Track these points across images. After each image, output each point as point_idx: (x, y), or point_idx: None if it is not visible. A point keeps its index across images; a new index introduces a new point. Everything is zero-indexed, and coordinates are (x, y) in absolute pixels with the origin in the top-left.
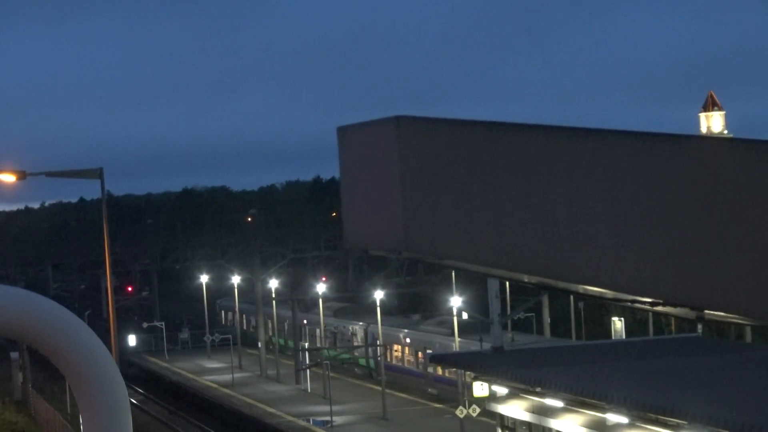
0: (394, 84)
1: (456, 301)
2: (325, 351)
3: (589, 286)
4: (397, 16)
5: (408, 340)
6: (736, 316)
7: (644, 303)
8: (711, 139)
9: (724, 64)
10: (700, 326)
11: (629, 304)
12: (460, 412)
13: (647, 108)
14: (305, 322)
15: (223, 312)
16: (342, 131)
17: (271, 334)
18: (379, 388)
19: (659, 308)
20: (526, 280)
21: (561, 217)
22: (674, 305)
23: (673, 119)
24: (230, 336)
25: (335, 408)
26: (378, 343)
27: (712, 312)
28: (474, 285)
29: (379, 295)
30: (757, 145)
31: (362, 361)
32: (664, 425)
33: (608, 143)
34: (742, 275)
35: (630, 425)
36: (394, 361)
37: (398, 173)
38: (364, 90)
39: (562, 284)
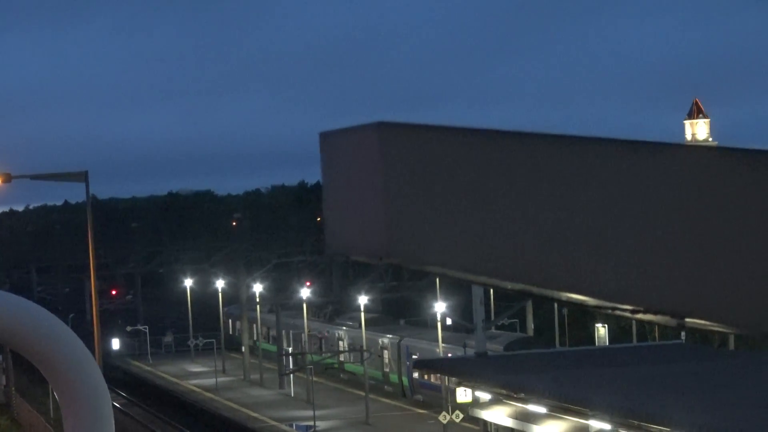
0: (386, 88)
1: (440, 307)
2: (350, 365)
3: (570, 293)
4: (388, 20)
5: (450, 356)
6: (717, 325)
7: (625, 310)
8: (693, 147)
9: (712, 70)
10: (683, 333)
11: (610, 311)
12: (443, 417)
13: (636, 113)
14: (326, 333)
15: (230, 320)
16: (324, 136)
17: (288, 346)
18: (367, 394)
19: (640, 316)
20: (508, 287)
21: (542, 224)
22: (655, 313)
23: (661, 125)
24: (213, 340)
25: (318, 413)
26: (363, 348)
27: (693, 320)
28: (458, 291)
29: (363, 300)
30: (739, 154)
31: (394, 378)
32: (647, 431)
33: (589, 150)
34: (722, 284)
35: (612, 431)
36: (432, 379)
37: (380, 179)
38: (356, 94)
39: (543, 291)
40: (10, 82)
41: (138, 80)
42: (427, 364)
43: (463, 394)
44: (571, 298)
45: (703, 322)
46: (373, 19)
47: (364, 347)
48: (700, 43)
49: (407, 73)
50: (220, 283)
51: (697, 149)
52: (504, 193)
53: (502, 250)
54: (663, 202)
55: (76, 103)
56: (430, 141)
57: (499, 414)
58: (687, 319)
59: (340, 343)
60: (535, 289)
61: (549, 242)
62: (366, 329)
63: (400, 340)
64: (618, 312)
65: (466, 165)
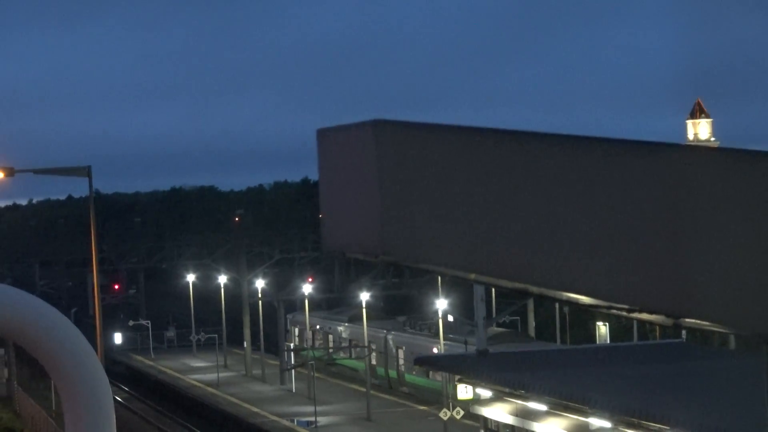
0: (389, 89)
1: (441, 304)
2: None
3: (565, 292)
4: (395, 22)
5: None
6: (712, 325)
7: (621, 309)
8: (689, 148)
9: (717, 73)
10: (684, 332)
11: (606, 310)
12: (444, 414)
13: (639, 115)
14: (435, 350)
15: (296, 329)
16: (321, 134)
17: (377, 364)
18: (365, 390)
19: (635, 315)
20: (503, 285)
21: (537, 222)
22: (650, 312)
23: (664, 127)
24: (215, 335)
25: (320, 408)
26: (366, 344)
27: (689, 320)
28: (460, 288)
29: (365, 296)
30: (734, 155)
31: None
32: (647, 430)
33: (584, 150)
34: (717, 284)
35: (613, 430)
36: None
37: (375, 177)
38: (361, 94)
39: (538, 290)
40: (16, 78)
41: (144, 78)
42: (428, 361)
43: (464, 391)
44: (569, 297)
45: (698, 321)
46: (378, 21)
47: None
48: (705, 46)
49: (411, 75)
50: (222, 279)
51: (692, 150)
52: (499, 193)
53: (499, 249)
54: (655, 202)
55: (82, 100)
56: (426, 139)
57: (499, 411)
58: (683, 319)
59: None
60: (530, 288)
61: (545, 241)
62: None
63: None
64: (614, 311)
65: (462, 164)
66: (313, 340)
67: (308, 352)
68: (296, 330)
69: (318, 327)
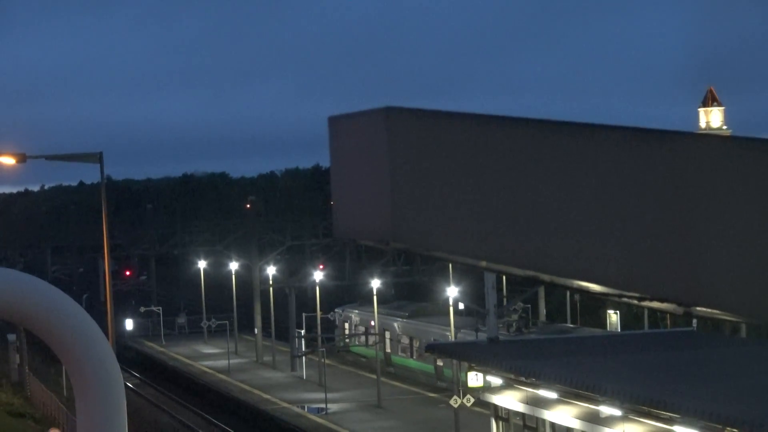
0: (404, 76)
1: (452, 292)
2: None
3: (576, 280)
4: (410, 10)
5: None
6: (723, 313)
7: (632, 298)
8: (701, 136)
9: (730, 61)
10: (695, 320)
11: (617, 298)
12: (455, 401)
13: (652, 103)
14: None
15: (346, 325)
16: (332, 121)
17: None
18: (376, 377)
19: (646, 303)
20: (514, 273)
21: (549, 210)
22: (661, 301)
23: (676, 115)
24: (226, 322)
25: (330, 395)
26: (372, 331)
27: (699, 308)
28: (471, 275)
29: (375, 283)
30: (747, 143)
31: None
32: (657, 418)
33: (596, 138)
34: (728, 273)
35: (623, 418)
36: None
37: (387, 164)
38: (374, 82)
39: (549, 278)
40: (29, 65)
41: (156, 65)
42: (439, 348)
43: (474, 379)
44: (580, 285)
45: (709, 310)
46: (392, 9)
47: None
48: (720, 35)
49: (424, 63)
50: (233, 265)
51: (703, 138)
52: (511, 180)
53: (510, 236)
54: (667, 190)
55: (94, 87)
56: (437, 127)
57: (509, 399)
58: (694, 308)
59: None
60: (540, 276)
61: (556, 230)
62: None
63: None
64: (625, 299)
65: (474, 152)
66: (366, 336)
67: (363, 349)
68: (346, 325)
69: (372, 323)
